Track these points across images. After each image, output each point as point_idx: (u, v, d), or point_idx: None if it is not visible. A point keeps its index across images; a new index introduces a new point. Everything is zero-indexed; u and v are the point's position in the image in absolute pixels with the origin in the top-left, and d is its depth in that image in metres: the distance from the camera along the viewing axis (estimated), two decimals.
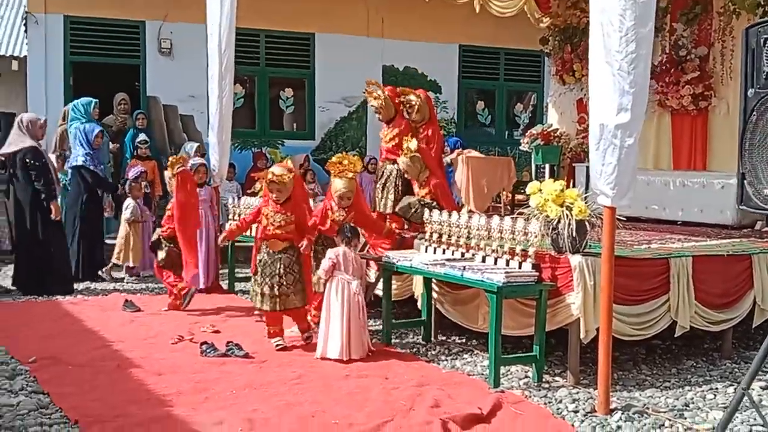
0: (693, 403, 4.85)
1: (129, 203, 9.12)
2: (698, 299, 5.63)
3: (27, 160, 7.98)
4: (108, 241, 9.53)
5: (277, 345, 5.89)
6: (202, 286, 8.11)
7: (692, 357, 5.96)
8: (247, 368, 5.36)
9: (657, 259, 5.52)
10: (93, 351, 5.72)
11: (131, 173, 9.87)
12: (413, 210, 6.85)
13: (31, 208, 8.01)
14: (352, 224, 6.09)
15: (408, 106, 7.30)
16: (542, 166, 10.50)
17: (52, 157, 9.37)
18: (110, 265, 9.05)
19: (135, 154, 10.60)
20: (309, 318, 6.26)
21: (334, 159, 6.43)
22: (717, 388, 5.16)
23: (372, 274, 6.69)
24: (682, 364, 5.79)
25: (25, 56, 11.94)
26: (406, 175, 7.13)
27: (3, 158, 8.15)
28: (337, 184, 6.25)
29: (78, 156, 8.93)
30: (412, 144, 6.99)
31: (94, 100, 10.14)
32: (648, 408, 4.68)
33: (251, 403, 4.61)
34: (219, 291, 8.29)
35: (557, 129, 10.58)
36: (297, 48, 12.68)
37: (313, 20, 12.45)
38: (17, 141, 8.07)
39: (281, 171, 5.97)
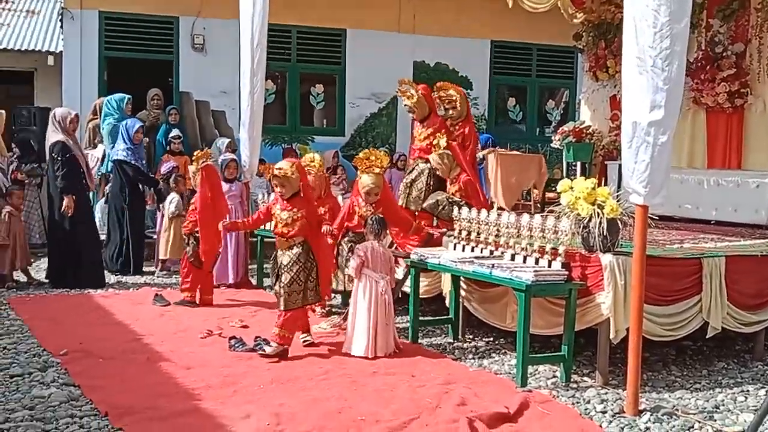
0: (723, 405, 4.78)
1: (173, 197, 9.13)
2: (731, 300, 5.54)
3: (53, 155, 8.09)
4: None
5: (303, 341, 5.90)
6: (231, 281, 8.17)
7: (723, 359, 5.87)
8: (275, 364, 5.38)
9: (689, 259, 5.44)
10: (123, 344, 5.79)
11: (164, 168, 9.96)
12: (441, 207, 6.84)
13: (59, 201, 8.12)
14: (380, 216, 6.06)
15: (447, 101, 7.26)
16: (574, 163, 10.38)
17: (93, 152, 9.49)
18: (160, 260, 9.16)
19: (168, 149, 10.68)
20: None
21: (360, 155, 6.46)
22: (748, 391, 5.08)
23: (400, 271, 6.68)
24: (713, 365, 5.70)
25: (61, 51, 12.10)
26: (438, 173, 7.11)
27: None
28: (364, 180, 6.27)
29: (119, 150, 9.05)
30: (442, 141, 6.98)
31: (127, 96, 10.29)
32: (677, 409, 4.62)
33: (278, 397, 4.63)
34: (248, 286, 8.34)
35: (590, 126, 10.44)
36: (328, 44, 12.70)
37: (344, 16, 12.45)
38: (50, 135, 8.20)
39: (285, 165, 5.73)
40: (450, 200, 6.80)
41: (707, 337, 5.55)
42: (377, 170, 6.31)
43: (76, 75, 11.48)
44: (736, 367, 5.68)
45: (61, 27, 11.92)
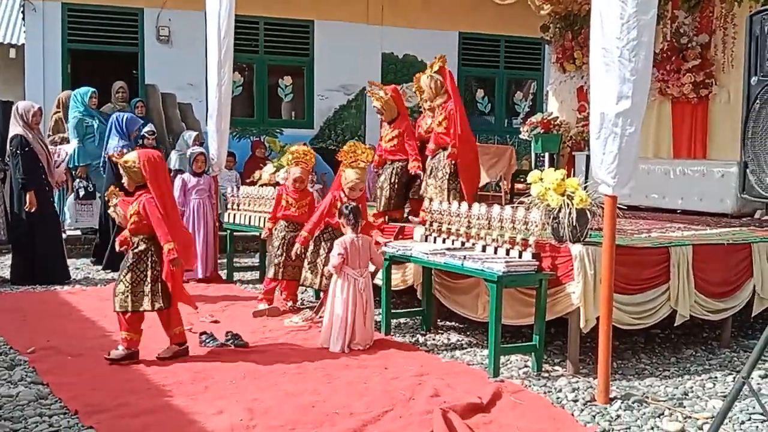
0: (692, 391, 4.85)
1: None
2: (698, 288, 5.62)
3: (12, 148, 7.93)
4: None
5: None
6: (200, 275, 8.10)
7: (691, 346, 5.96)
8: (247, 358, 5.34)
9: (657, 248, 5.50)
10: (92, 341, 5.71)
11: None
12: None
13: (18, 196, 7.99)
14: (354, 204, 5.98)
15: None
16: (542, 154, 10.48)
17: (65, 147, 9.30)
18: None
19: (141, 144, 10.51)
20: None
21: (345, 148, 6.34)
22: (716, 377, 5.16)
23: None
24: (681, 353, 5.79)
25: (23, 44, 11.88)
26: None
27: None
28: (349, 175, 6.18)
29: (114, 146, 8.83)
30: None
31: (91, 90, 10.14)
32: (647, 397, 4.68)
33: (251, 392, 4.60)
34: (218, 281, 8.27)
35: (557, 117, 10.54)
36: (296, 35, 12.63)
37: (312, 7, 12.39)
38: (11, 129, 8.04)
39: (131, 156, 5.24)
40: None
41: (675, 325, 5.62)
42: (362, 164, 6.23)
43: (39, 68, 11.29)
44: (704, 354, 5.76)
45: (23, 19, 11.69)
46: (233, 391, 4.63)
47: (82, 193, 10.00)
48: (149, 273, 5.15)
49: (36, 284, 7.90)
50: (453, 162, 6.62)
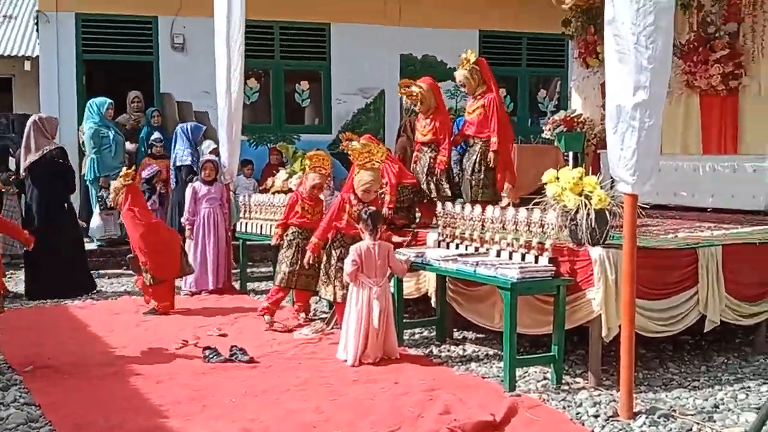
0: (723, 404, 4.51)
1: None
2: (729, 291, 5.27)
3: (59, 160, 8.01)
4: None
5: None
6: (211, 287, 7.89)
7: (723, 353, 5.60)
8: (251, 374, 5.12)
9: (684, 250, 5.17)
10: (93, 357, 5.53)
11: (145, 173, 9.72)
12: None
13: (39, 210, 7.89)
14: (374, 209, 5.67)
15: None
16: (566, 153, 10.11)
17: None
18: None
19: (149, 152, 10.41)
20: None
21: (357, 146, 6.01)
22: (749, 387, 4.81)
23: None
24: (712, 361, 5.43)
25: (38, 56, 11.80)
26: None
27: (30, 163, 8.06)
28: (363, 177, 5.82)
29: (185, 156, 8.97)
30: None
31: (108, 101, 10.05)
32: (674, 411, 4.35)
33: (250, 411, 4.36)
34: (231, 292, 8.05)
35: (581, 114, 10.15)
36: (312, 39, 12.39)
37: (328, 10, 12.13)
38: (44, 144, 8.00)
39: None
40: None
41: (705, 331, 5.28)
42: (377, 165, 5.91)
43: (54, 79, 11.17)
44: (736, 362, 5.40)
45: (37, 31, 11.62)
46: (232, 410, 4.40)
47: (103, 205, 9.85)
48: None
49: (54, 297, 7.78)
50: (493, 155, 6.53)
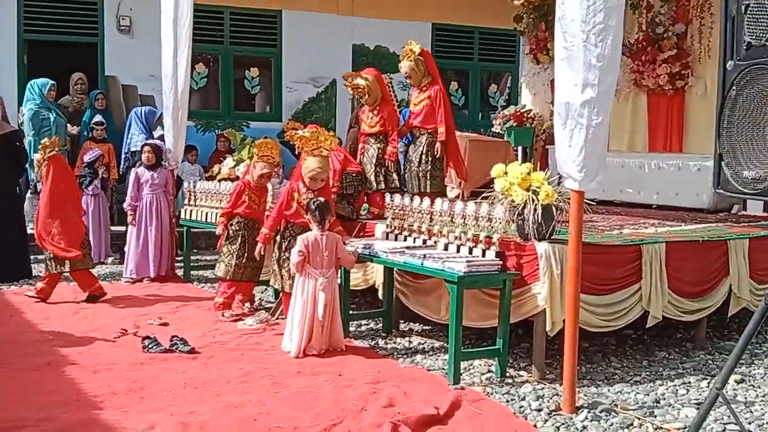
0: (664, 399, 4.56)
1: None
2: (671, 288, 5.34)
3: (16, 143, 7.94)
4: None
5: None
6: (152, 274, 7.72)
7: (664, 348, 5.68)
8: (191, 365, 4.99)
9: (628, 246, 5.21)
10: (26, 346, 5.33)
11: (87, 156, 9.43)
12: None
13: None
14: (323, 199, 5.57)
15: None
16: (515, 148, 10.16)
17: None
18: None
19: (90, 136, 10.13)
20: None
21: (306, 134, 5.84)
22: (690, 383, 4.87)
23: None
24: (654, 355, 5.50)
25: None
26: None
27: None
28: (310, 164, 5.71)
29: (139, 142, 8.64)
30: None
31: (51, 82, 9.73)
32: (616, 405, 4.38)
33: (189, 404, 4.25)
34: (174, 280, 7.89)
35: (531, 110, 10.22)
36: (263, 26, 12.22)
37: None
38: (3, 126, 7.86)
39: None
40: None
41: (647, 326, 5.34)
42: (325, 152, 5.81)
43: None
44: (677, 357, 5.48)
45: None
46: (170, 402, 4.27)
47: (34, 189, 9.56)
48: None
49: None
50: (440, 146, 6.62)
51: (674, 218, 7.01)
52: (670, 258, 5.32)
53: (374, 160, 6.68)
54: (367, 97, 6.72)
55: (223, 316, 6.25)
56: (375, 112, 6.75)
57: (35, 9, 11.03)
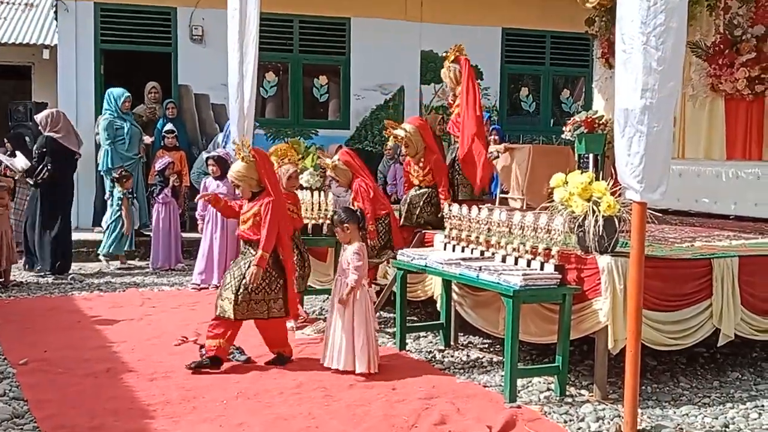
0: (734, 423, 4.30)
1: None
2: (745, 304, 5.04)
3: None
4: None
5: None
6: (217, 282, 7.77)
7: (738, 368, 5.38)
8: (245, 375, 4.99)
9: (697, 260, 4.95)
10: (89, 352, 5.44)
11: (158, 164, 9.65)
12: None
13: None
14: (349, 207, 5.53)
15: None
16: (586, 155, 9.86)
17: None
18: None
19: (162, 144, 10.36)
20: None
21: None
22: (763, 406, 4.60)
23: (391, 272, 6.23)
24: (726, 375, 5.21)
25: (56, 45, 11.78)
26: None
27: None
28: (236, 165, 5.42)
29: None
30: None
31: (126, 94, 10.02)
32: (681, 429, 4.16)
33: (240, 415, 4.24)
34: None
35: (602, 116, 9.89)
36: (332, 33, 12.23)
37: (348, 4, 11.98)
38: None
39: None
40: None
41: (719, 345, 5.06)
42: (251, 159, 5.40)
43: (72, 68, 11.12)
44: (751, 378, 5.18)
45: (56, 19, 11.59)
46: (221, 413, 4.28)
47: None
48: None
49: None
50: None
51: (752, 230, 6.66)
52: (744, 273, 5.03)
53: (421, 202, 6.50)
54: (405, 148, 6.54)
55: (303, 334, 6.16)
56: (421, 164, 6.54)
57: (112, 20, 11.33)
